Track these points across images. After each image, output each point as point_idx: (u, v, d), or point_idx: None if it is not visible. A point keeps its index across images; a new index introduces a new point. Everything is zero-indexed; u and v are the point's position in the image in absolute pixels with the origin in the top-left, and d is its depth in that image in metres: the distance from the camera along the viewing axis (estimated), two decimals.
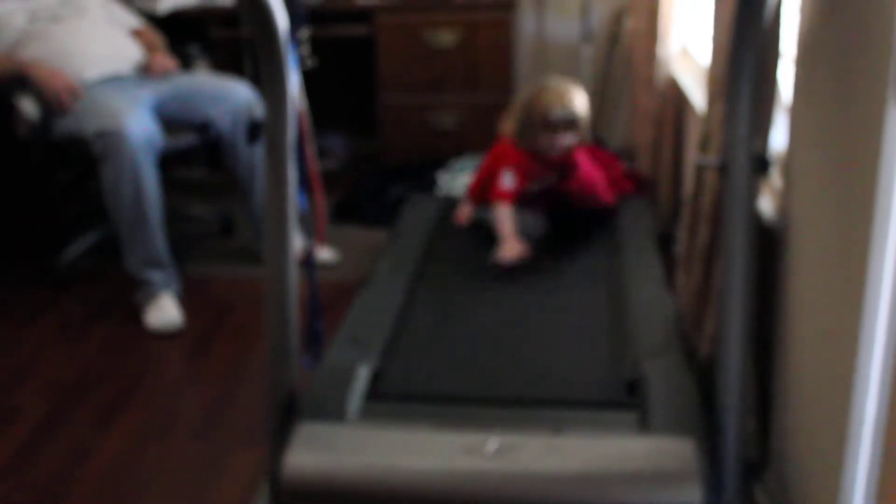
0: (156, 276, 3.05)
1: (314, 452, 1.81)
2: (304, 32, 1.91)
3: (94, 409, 2.57)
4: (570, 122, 2.79)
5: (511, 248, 2.66)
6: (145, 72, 3.39)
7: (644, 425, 1.87)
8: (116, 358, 2.85)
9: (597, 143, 3.99)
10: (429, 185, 3.75)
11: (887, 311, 1.39)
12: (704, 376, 2.04)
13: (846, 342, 1.46)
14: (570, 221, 2.90)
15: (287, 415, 1.91)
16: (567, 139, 2.80)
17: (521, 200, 2.82)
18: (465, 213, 3.02)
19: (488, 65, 4.06)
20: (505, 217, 2.74)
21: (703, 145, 2.23)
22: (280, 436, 1.87)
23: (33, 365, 2.81)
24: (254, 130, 1.83)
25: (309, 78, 3.02)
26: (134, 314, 3.05)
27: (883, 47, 1.31)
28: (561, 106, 2.77)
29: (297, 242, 1.95)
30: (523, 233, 2.73)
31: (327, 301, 2.51)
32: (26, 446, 2.40)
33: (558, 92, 2.82)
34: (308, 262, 2.47)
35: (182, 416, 2.55)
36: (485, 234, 2.81)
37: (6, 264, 3.50)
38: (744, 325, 1.77)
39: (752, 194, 1.77)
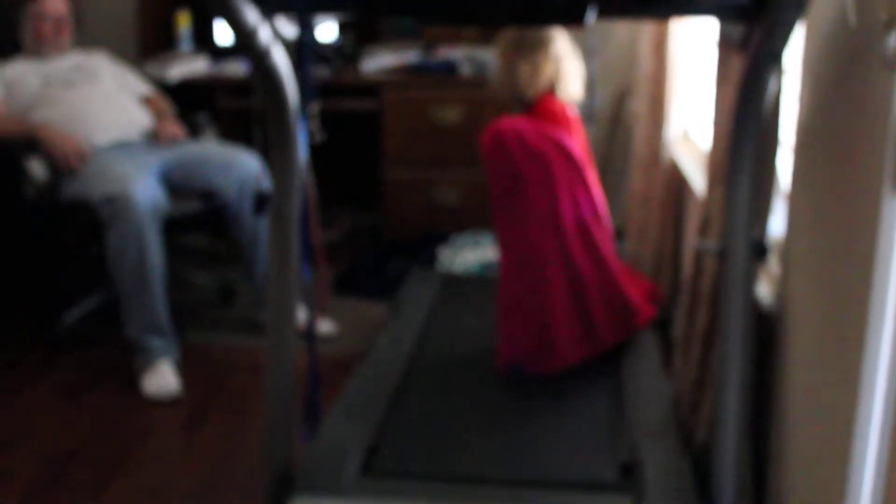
0: (155, 342, 3.05)
1: None
2: (314, 107, 1.93)
3: (86, 475, 2.54)
4: None
5: None
6: (154, 138, 3.44)
7: None
8: (111, 424, 2.83)
9: None
10: (430, 260, 3.77)
11: (883, 398, 1.39)
12: (701, 460, 2.03)
13: (843, 428, 1.45)
14: None
15: (282, 488, 1.90)
16: None
17: None
18: None
19: None
20: None
21: (703, 229, 2.25)
22: None
23: (28, 428, 2.80)
24: (260, 202, 1.86)
25: (313, 150, 3.06)
26: (131, 381, 3.04)
27: (879, 137, 1.33)
28: None
29: (298, 314, 1.96)
30: None
31: (326, 374, 2.50)
32: None
33: None
34: (309, 334, 2.47)
35: (176, 485, 2.52)
36: (484, 314, 2.82)
37: (4, 326, 3.50)
38: (741, 410, 1.77)
39: (751, 279, 1.79)
